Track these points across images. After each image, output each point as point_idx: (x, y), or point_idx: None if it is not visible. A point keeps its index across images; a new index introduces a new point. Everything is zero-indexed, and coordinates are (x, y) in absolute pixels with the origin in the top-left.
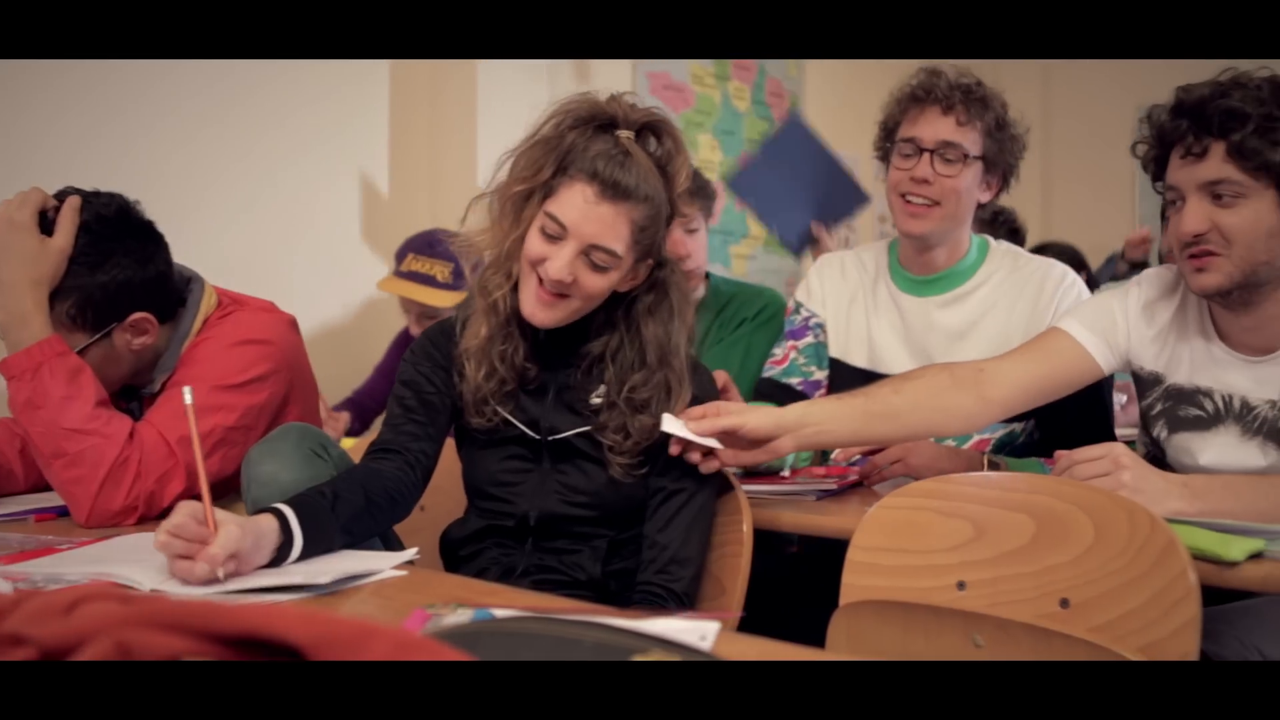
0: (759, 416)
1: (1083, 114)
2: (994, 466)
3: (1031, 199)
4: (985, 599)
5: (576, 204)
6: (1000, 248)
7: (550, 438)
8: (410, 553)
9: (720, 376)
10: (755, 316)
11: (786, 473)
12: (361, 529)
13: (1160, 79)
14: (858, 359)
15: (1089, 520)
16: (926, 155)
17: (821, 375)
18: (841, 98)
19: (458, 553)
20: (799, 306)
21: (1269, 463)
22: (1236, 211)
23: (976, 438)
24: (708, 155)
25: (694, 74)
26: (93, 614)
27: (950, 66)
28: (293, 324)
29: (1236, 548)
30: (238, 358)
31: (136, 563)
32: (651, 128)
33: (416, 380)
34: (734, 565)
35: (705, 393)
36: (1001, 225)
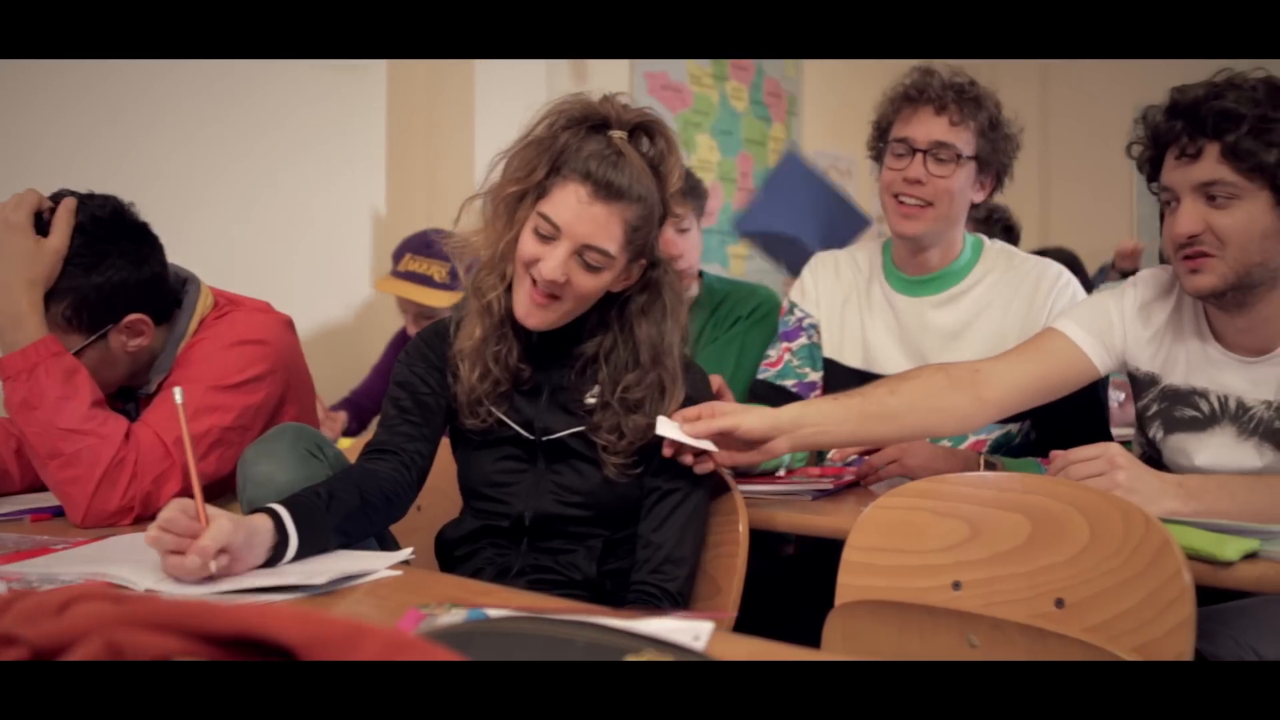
0: (754, 417)
1: (1081, 114)
2: (990, 467)
3: (1029, 200)
4: (980, 599)
5: (570, 204)
6: (995, 247)
7: (544, 438)
8: (405, 553)
9: (715, 380)
10: (750, 315)
11: (782, 473)
12: (357, 529)
13: (1159, 79)
14: (852, 359)
15: (1084, 520)
16: (919, 156)
17: (816, 376)
18: (839, 98)
19: (453, 553)
20: (793, 307)
21: (1265, 463)
22: (1231, 213)
23: (973, 438)
24: (706, 155)
25: (692, 74)
26: (84, 614)
27: (944, 65)
28: (289, 324)
29: (1231, 548)
30: (234, 358)
31: (131, 563)
32: (644, 128)
33: (411, 381)
34: (729, 565)
35: (699, 392)
36: (996, 223)
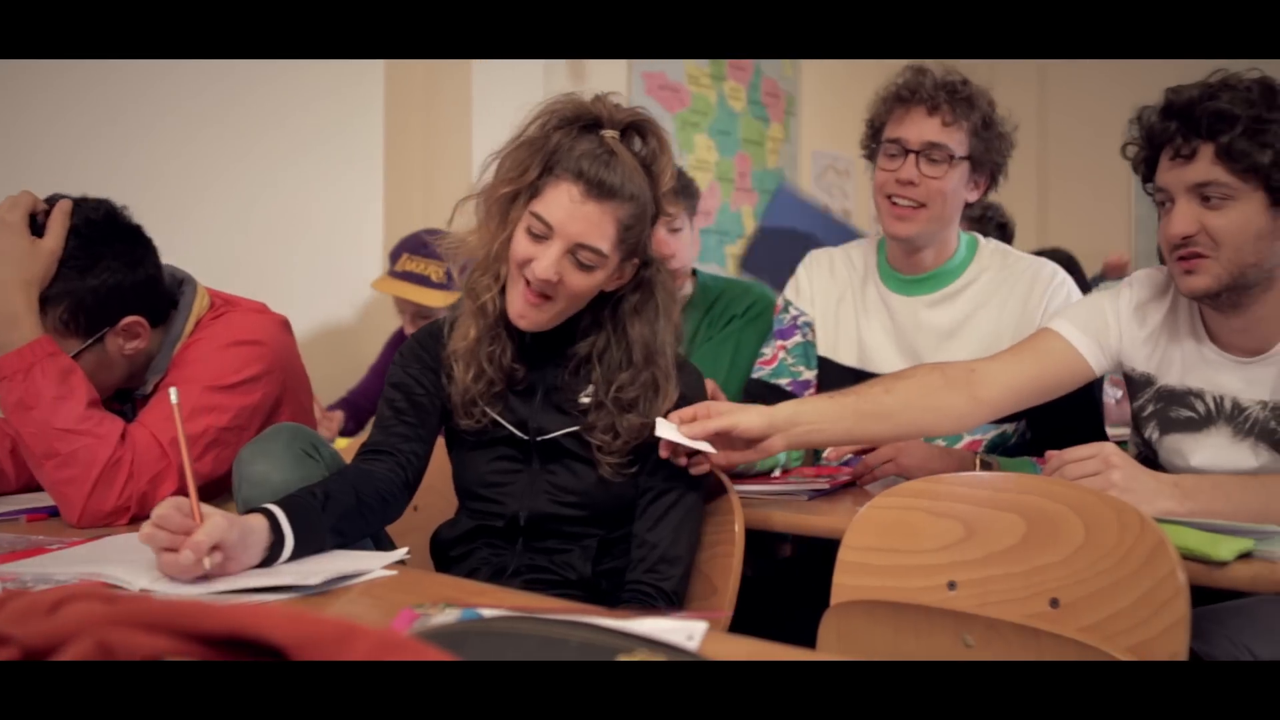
0: (751, 416)
1: (1079, 114)
2: (986, 466)
3: (1027, 200)
4: (975, 599)
5: (562, 203)
6: (989, 246)
7: (539, 438)
8: (401, 552)
9: (708, 386)
10: (744, 313)
11: (778, 474)
12: (353, 530)
13: (1158, 79)
14: (847, 357)
15: (1079, 520)
16: (912, 157)
17: (810, 375)
18: (837, 98)
19: (448, 553)
20: (787, 305)
21: (1260, 463)
22: (1225, 214)
23: (968, 438)
24: (704, 155)
25: (689, 74)
26: (76, 614)
27: (937, 64)
28: (285, 324)
29: (1225, 547)
30: (230, 359)
31: (126, 563)
32: (636, 127)
33: (406, 382)
34: (725, 565)
35: (693, 391)
36: (990, 221)
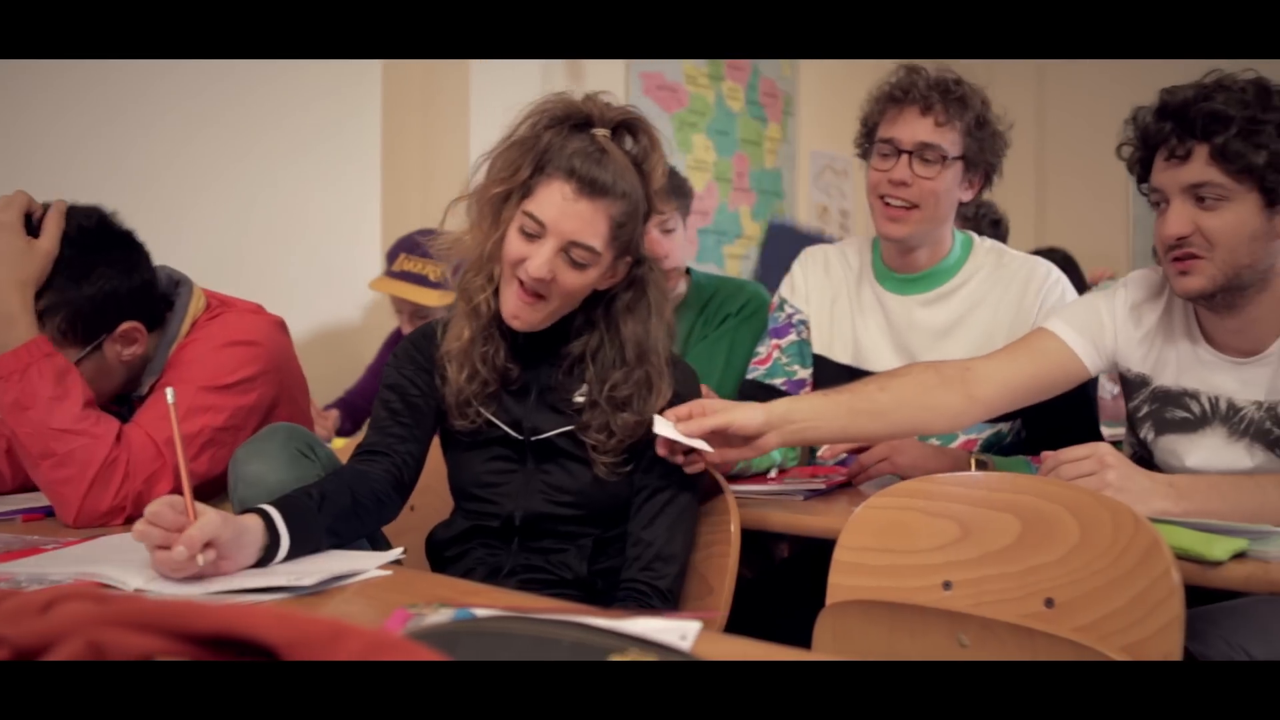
0: (746, 413)
1: (1078, 114)
2: (981, 465)
3: (1025, 200)
4: (971, 599)
5: (555, 201)
6: (984, 245)
7: (533, 438)
8: (396, 552)
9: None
10: (739, 312)
11: (774, 474)
12: (348, 530)
13: (1157, 79)
14: (842, 355)
15: (1074, 520)
16: (905, 157)
17: (805, 374)
18: (835, 98)
19: (444, 554)
20: (782, 303)
21: (1256, 464)
22: (1219, 214)
23: (964, 437)
24: (701, 155)
25: (687, 74)
26: (67, 614)
27: (931, 63)
28: (281, 325)
29: (1220, 547)
30: (226, 359)
31: (121, 562)
32: (627, 125)
33: (401, 384)
34: (721, 565)
35: (687, 389)
36: (984, 218)
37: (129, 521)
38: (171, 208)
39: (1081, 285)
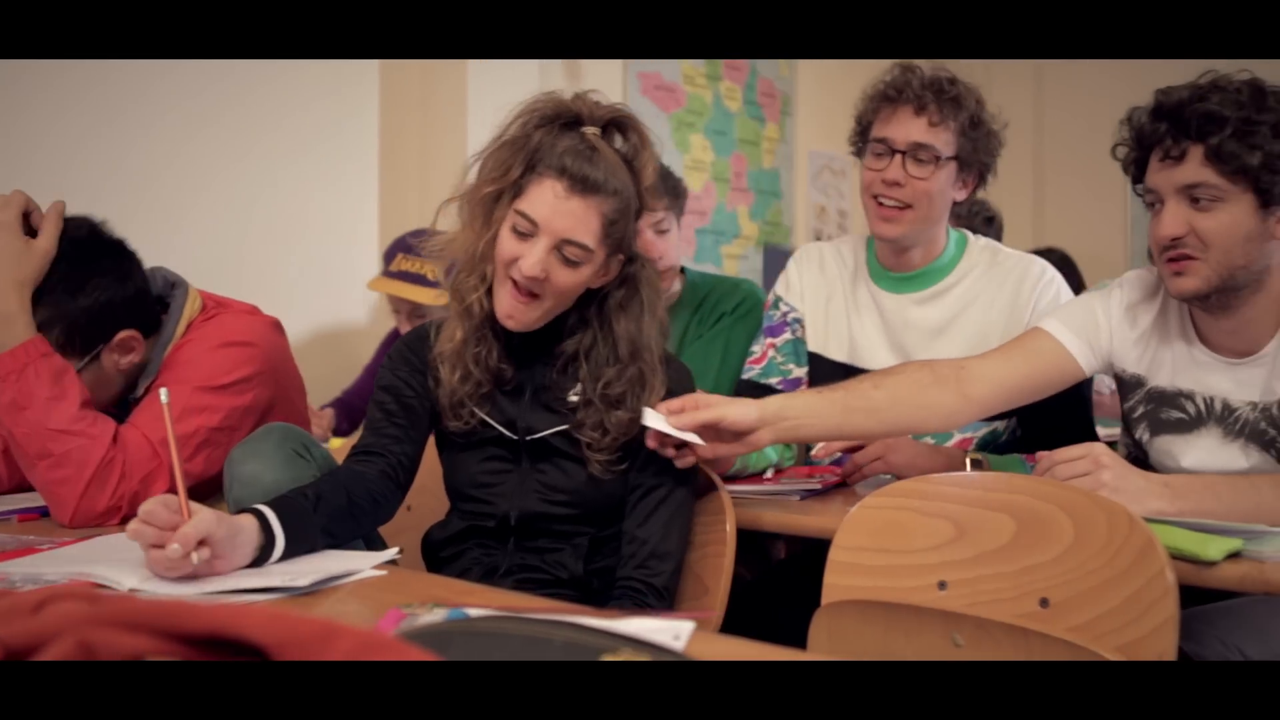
0: (738, 409)
1: (1076, 114)
2: (976, 464)
3: (1023, 200)
4: (966, 599)
5: (546, 200)
6: (979, 243)
7: (528, 437)
8: (391, 552)
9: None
10: (734, 310)
11: (770, 474)
12: (344, 531)
13: (1155, 79)
14: (837, 353)
15: (1069, 520)
16: (898, 157)
17: (801, 373)
18: (833, 98)
19: (439, 554)
20: (777, 301)
21: (1251, 464)
22: (1214, 215)
23: (959, 436)
24: (699, 155)
25: (685, 74)
26: (58, 614)
27: (927, 62)
28: (276, 326)
29: (1214, 547)
30: (221, 359)
31: (116, 562)
32: (617, 124)
33: (395, 385)
34: (716, 565)
35: (681, 386)
36: (976, 216)
37: (125, 521)
38: (170, 209)
39: (1079, 286)
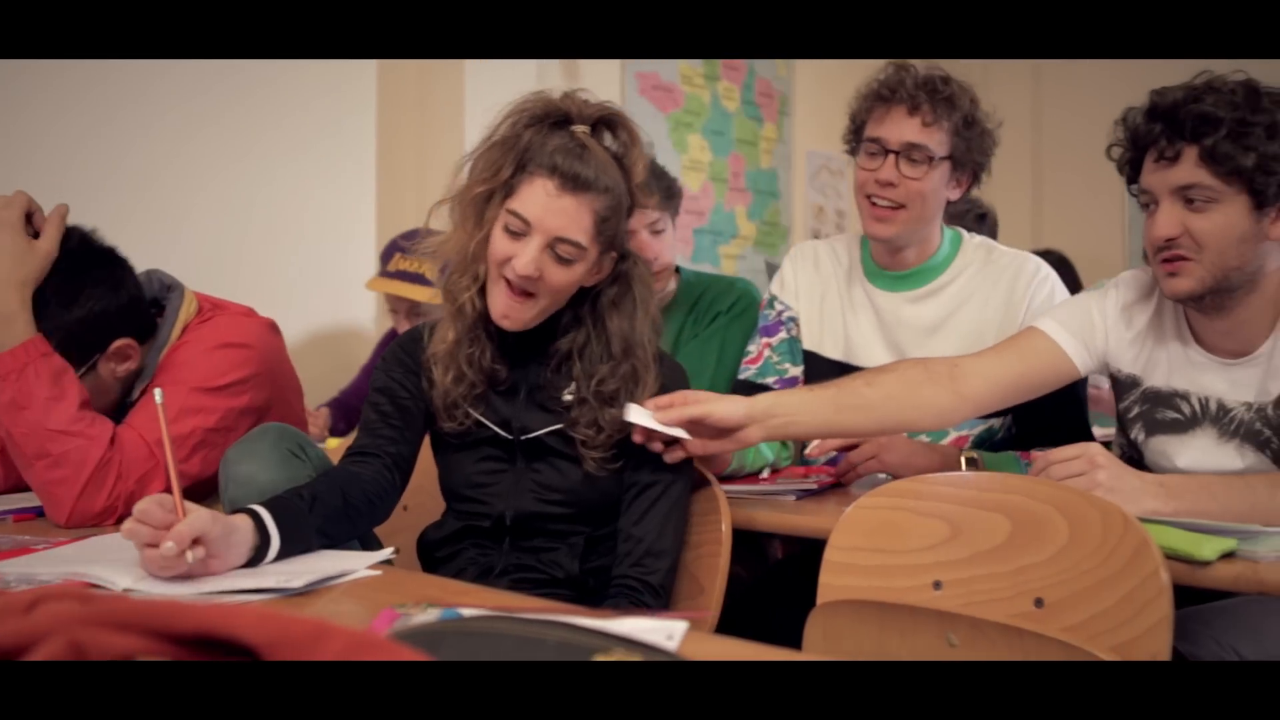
0: (726, 405)
1: (1074, 114)
2: (970, 462)
3: (1021, 200)
4: (960, 599)
5: (538, 198)
6: (973, 242)
7: (523, 437)
8: (386, 552)
9: None
10: (729, 309)
11: (766, 474)
12: (339, 531)
13: (1154, 79)
14: (833, 351)
15: (1064, 520)
16: (892, 157)
17: (797, 371)
18: (831, 98)
19: (435, 554)
20: (772, 300)
21: (1246, 464)
22: (1208, 216)
23: (955, 434)
24: (697, 155)
25: (683, 74)
26: (50, 613)
27: (921, 61)
28: (273, 327)
29: (1209, 547)
30: (218, 361)
31: (111, 562)
32: (606, 121)
33: (390, 386)
34: (712, 565)
35: (675, 384)
36: (967, 214)
37: (120, 522)
38: (168, 207)
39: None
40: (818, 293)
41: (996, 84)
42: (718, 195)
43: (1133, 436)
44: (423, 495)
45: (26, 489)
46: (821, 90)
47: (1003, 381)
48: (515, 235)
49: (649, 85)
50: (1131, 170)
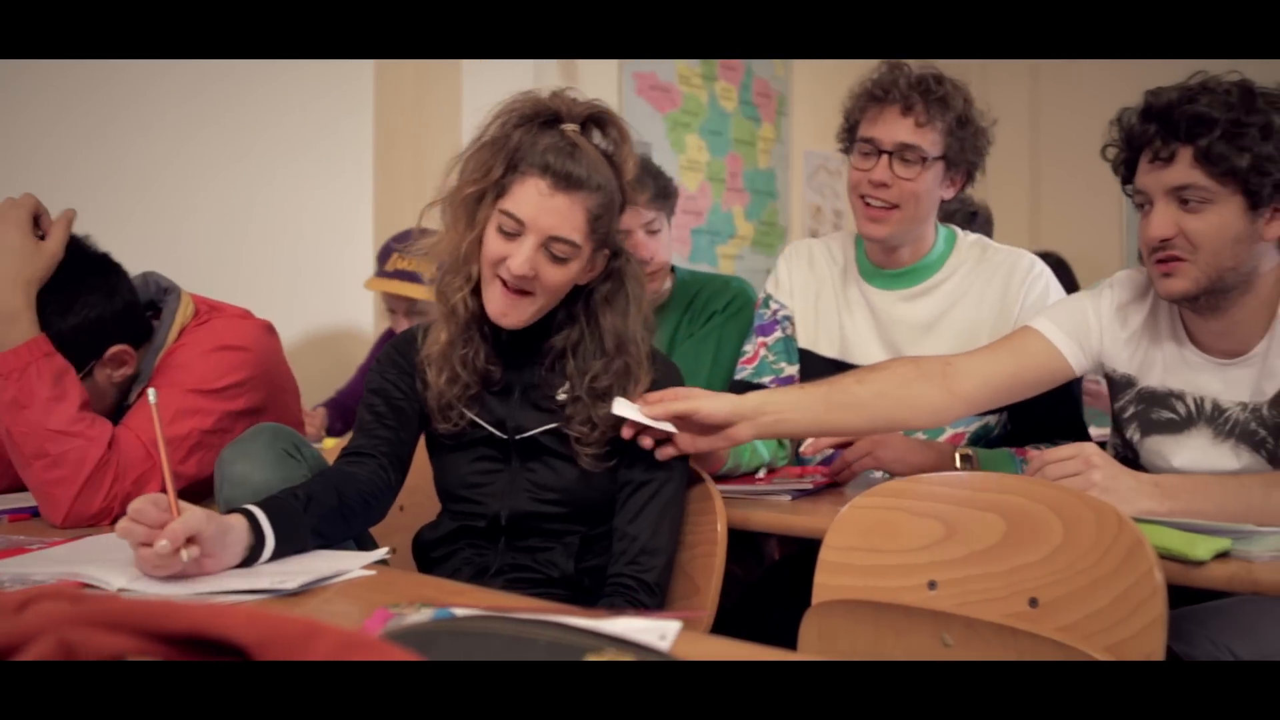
0: (715, 402)
1: (1072, 113)
2: (965, 459)
3: (1019, 200)
4: (955, 598)
5: (532, 198)
6: (968, 239)
7: (517, 436)
8: (381, 552)
9: None
10: (725, 309)
11: (763, 474)
12: (334, 532)
13: (1152, 79)
14: (828, 350)
15: (1058, 520)
16: (885, 157)
17: (792, 370)
18: (829, 98)
19: (430, 554)
20: (767, 299)
21: (1242, 464)
22: (1203, 217)
23: (951, 431)
24: (694, 155)
25: (681, 74)
26: (41, 613)
27: (916, 60)
28: (269, 329)
29: (1203, 547)
30: (215, 364)
31: (105, 562)
32: (595, 120)
33: (385, 387)
34: (707, 565)
35: (668, 381)
36: (956, 213)
37: (116, 522)
38: (167, 208)
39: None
40: (812, 291)
41: (994, 84)
42: (715, 195)
43: (1128, 436)
44: (419, 495)
45: (21, 489)
46: (819, 90)
47: (996, 381)
48: (509, 236)
49: (646, 85)
50: (1126, 170)
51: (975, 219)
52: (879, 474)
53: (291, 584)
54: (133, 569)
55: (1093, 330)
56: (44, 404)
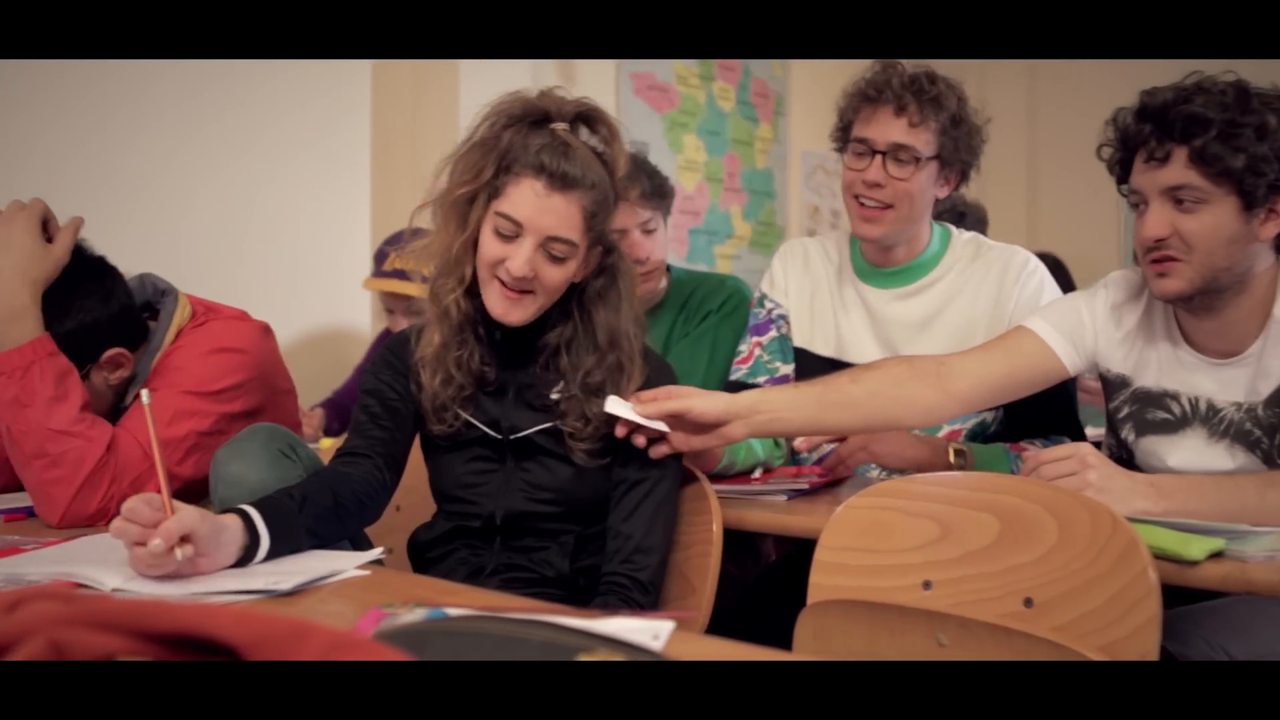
0: (708, 400)
1: (1070, 113)
2: (959, 454)
3: (1017, 200)
4: (950, 598)
5: (528, 199)
6: (962, 237)
7: (512, 436)
8: (376, 552)
9: None
10: (720, 308)
11: (758, 474)
12: (330, 531)
13: (1152, 79)
14: (824, 348)
15: (1053, 520)
16: (879, 157)
17: (788, 369)
18: (827, 98)
19: (425, 555)
20: (762, 299)
21: (1237, 464)
22: (1198, 217)
23: (948, 428)
24: (692, 155)
25: (679, 74)
26: (32, 613)
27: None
28: (266, 330)
29: (1197, 547)
30: (212, 366)
31: (99, 562)
32: (584, 118)
33: (379, 388)
34: (703, 565)
35: (662, 380)
36: (947, 213)
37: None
38: (164, 208)
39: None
40: (808, 290)
41: (992, 84)
42: (713, 195)
43: (1123, 436)
44: (415, 495)
45: (18, 489)
46: (817, 90)
47: (990, 380)
48: (507, 238)
49: (644, 85)
50: (1122, 170)
51: (964, 219)
52: (875, 472)
53: (286, 584)
54: (127, 569)
55: (1087, 330)
56: (45, 403)
